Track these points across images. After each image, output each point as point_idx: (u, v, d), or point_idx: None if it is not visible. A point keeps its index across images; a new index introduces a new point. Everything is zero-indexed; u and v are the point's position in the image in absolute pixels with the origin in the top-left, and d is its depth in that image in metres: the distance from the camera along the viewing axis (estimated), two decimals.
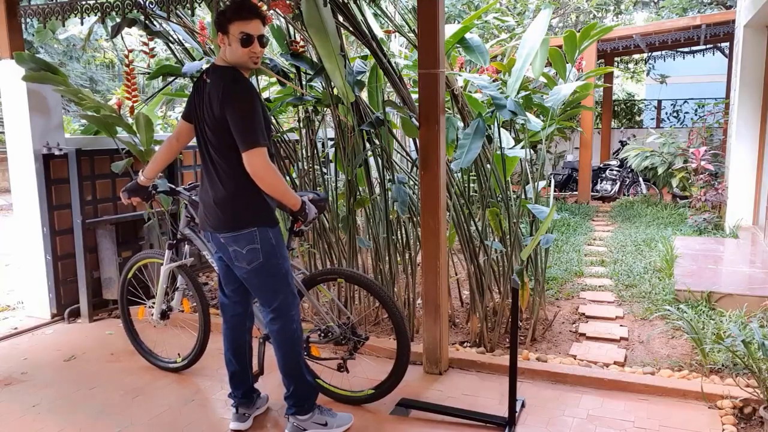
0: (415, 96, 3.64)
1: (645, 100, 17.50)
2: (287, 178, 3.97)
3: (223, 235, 2.56)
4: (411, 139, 4.29)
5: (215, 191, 2.55)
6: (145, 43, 4.18)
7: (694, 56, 13.10)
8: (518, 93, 3.66)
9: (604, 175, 10.24)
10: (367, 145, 3.87)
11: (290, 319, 2.65)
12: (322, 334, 2.98)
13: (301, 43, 3.97)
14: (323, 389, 3.01)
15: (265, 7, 3.71)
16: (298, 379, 2.69)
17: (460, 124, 3.72)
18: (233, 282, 2.76)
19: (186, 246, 3.26)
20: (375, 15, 4.20)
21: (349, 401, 2.99)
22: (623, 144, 10.70)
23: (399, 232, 3.96)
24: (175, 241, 3.24)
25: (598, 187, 10.21)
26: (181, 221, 3.22)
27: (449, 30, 3.67)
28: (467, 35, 3.79)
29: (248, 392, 2.85)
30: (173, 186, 3.17)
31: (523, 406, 2.92)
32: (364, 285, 3.03)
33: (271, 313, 2.63)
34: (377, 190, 3.98)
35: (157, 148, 4.42)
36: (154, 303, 3.38)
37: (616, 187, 10.00)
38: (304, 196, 2.66)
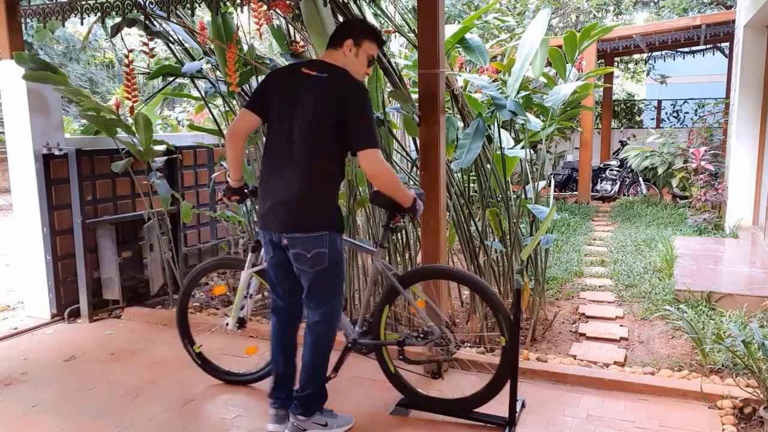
0: (415, 96, 3.64)
1: (645, 100, 17.49)
2: None
3: (291, 235, 2.47)
4: (411, 139, 4.29)
5: (299, 188, 2.46)
6: (145, 43, 4.18)
7: (694, 56, 13.10)
8: (518, 93, 3.66)
9: (604, 175, 10.24)
10: None
11: (334, 325, 2.65)
12: (421, 336, 2.83)
13: (301, 43, 3.98)
14: (416, 395, 2.92)
15: (264, 7, 3.73)
16: (319, 383, 2.66)
17: (460, 124, 3.72)
18: (289, 283, 2.66)
19: (263, 250, 3.00)
20: (375, 15, 4.19)
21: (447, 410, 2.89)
22: (623, 144, 10.70)
23: (399, 232, 3.95)
24: (256, 244, 3.02)
25: (598, 187, 10.21)
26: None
27: (449, 30, 3.67)
28: (467, 35, 3.79)
29: (290, 393, 2.76)
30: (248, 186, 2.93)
31: (523, 406, 2.92)
32: (476, 287, 2.84)
33: (319, 315, 2.60)
34: None
35: (156, 147, 4.44)
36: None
37: (616, 187, 10.00)
38: (411, 191, 2.64)
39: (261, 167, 2.63)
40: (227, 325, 3.13)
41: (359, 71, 2.59)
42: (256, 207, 4.52)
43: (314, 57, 3.95)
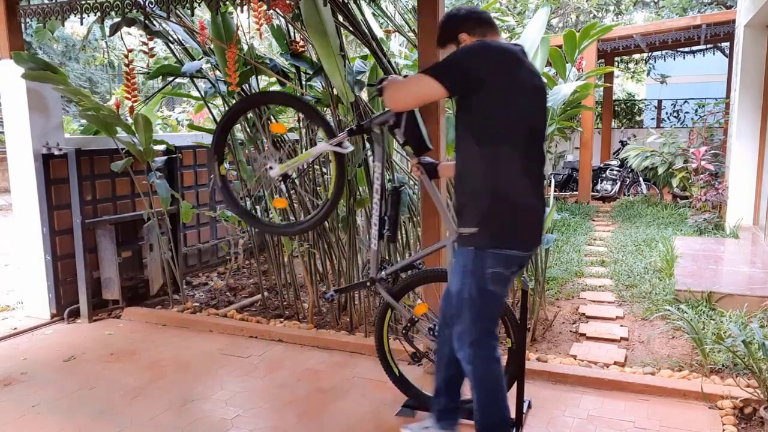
0: None
1: (645, 100, 17.49)
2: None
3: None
4: None
5: (543, 194, 2.26)
6: (144, 43, 4.18)
7: (694, 56, 13.10)
8: None
9: (604, 175, 10.24)
10: (367, 144, 3.86)
11: None
12: (435, 332, 2.74)
13: (301, 43, 3.97)
14: (423, 397, 2.87)
15: (264, 7, 3.72)
16: None
17: None
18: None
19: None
20: (375, 15, 4.19)
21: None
22: (623, 144, 10.69)
23: (399, 232, 3.95)
24: (356, 128, 2.72)
25: (598, 187, 10.21)
26: None
27: None
28: None
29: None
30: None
31: (529, 406, 2.91)
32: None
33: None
34: None
35: (156, 147, 4.44)
36: None
37: (617, 187, 10.00)
38: None
39: (504, 167, 2.13)
40: (270, 168, 2.88)
41: None
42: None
43: (314, 56, 3.95)
